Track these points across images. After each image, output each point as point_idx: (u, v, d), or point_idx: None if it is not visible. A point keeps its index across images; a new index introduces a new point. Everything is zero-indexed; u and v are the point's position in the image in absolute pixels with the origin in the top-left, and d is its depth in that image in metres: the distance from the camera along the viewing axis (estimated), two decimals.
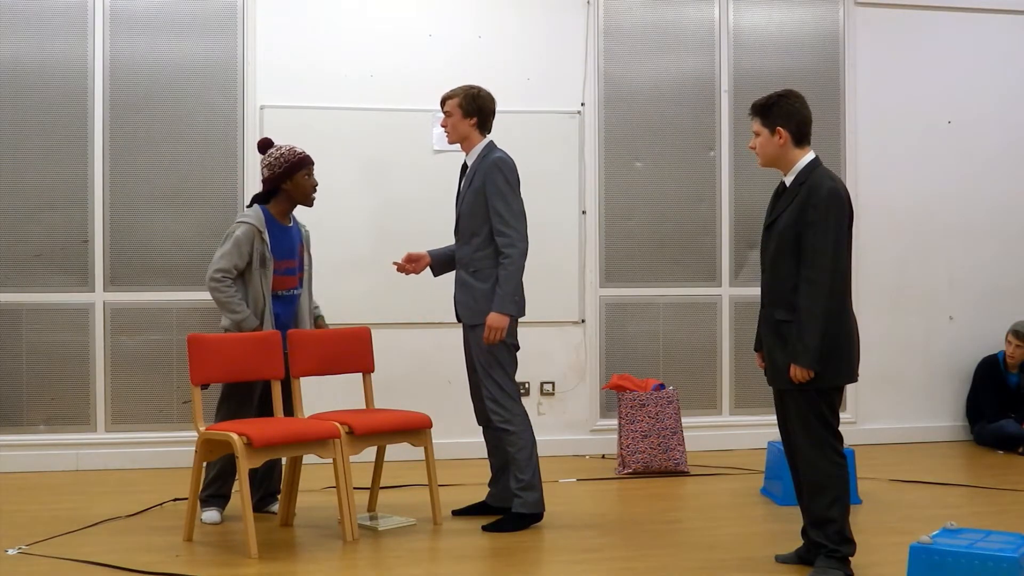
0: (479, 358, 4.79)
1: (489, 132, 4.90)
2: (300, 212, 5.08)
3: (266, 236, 4.84)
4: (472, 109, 4.83)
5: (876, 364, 6.98)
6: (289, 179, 4.91)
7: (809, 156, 4.04)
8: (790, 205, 3.98)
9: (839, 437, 4.01)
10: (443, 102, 4.88)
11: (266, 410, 4.91)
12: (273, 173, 4.91)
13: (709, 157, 6.82)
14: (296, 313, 5.02)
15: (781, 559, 4.22)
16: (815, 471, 3.98)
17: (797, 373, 3.89)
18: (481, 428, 4.98)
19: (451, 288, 4.93)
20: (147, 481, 5.76)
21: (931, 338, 7.16)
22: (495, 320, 4.68)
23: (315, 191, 5.00)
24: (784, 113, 4.02)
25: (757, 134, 4.09)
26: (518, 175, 4.82)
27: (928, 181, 7.13)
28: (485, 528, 4.73)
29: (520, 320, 4.83)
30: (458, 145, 4.92)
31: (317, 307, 5.22)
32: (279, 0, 6.34)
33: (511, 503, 4.85)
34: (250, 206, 5.00)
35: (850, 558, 3.99)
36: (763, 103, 4.08)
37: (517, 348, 4.84)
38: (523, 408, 4.82)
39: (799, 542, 4.19)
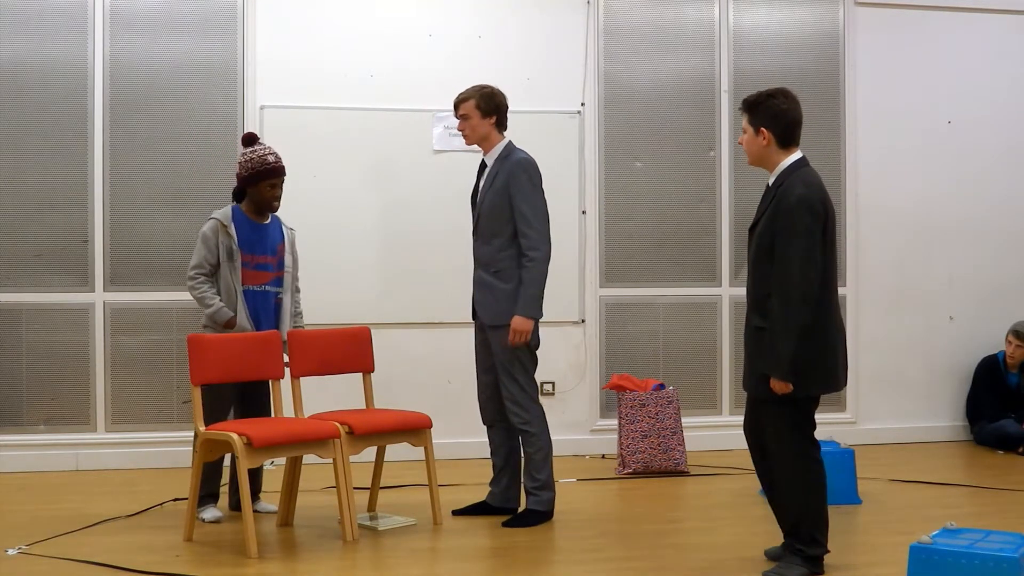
0: (500, 359, 4.78)
1: (506, 129, 4.89)
2: (292, 213, 5.08)
3: (231, 230, 4.88)
4: (490, 108, 4.81)
5: (876, 364, 6.99)
6: (252, 185, 4.94)
7: (793, 157, 3.97)
8: (767, 209, 3.95)
9: (815, 443, 4.00)
10: (457, 105, 4.85)
11: (248, 410, 4.94)
12: (241, 174, 4.96)
13: (709, 157, 6.82)
14: (275, 313, 5.01)
15: (771, 554, 4.23)
16: (788, 475, 3.98)
17: (775, 386, 3.87)
18: (486, 428, 4.98)
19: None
20: (147, 481, 5.76)
21: (931, 338, 7.16)
22: (520, 323, 4.68)
23: (277, 202, 4.99)
24: (770, 114, 3.95)
25: (745, 131, 4.05)
26: (541, 176, 4.81)
27: (928, 181, 7.13)
28: (505, 524, 4.74)
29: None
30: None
31: (299, 314, 5.19)
32: (279, 0, 6.35)
33: (512, 503, 4.88)
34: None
35: (822, 559, 3.99)
36: (752, 100, 4.01)
37: (537, 346, 4.84)
38: (542, 409, 4.84)
39: None
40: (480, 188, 4.87)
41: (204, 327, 4.90)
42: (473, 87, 4.88)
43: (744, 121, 4.04)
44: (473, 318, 4.93)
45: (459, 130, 4.87)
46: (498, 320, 4.76)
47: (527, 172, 4.75)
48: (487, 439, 5.00)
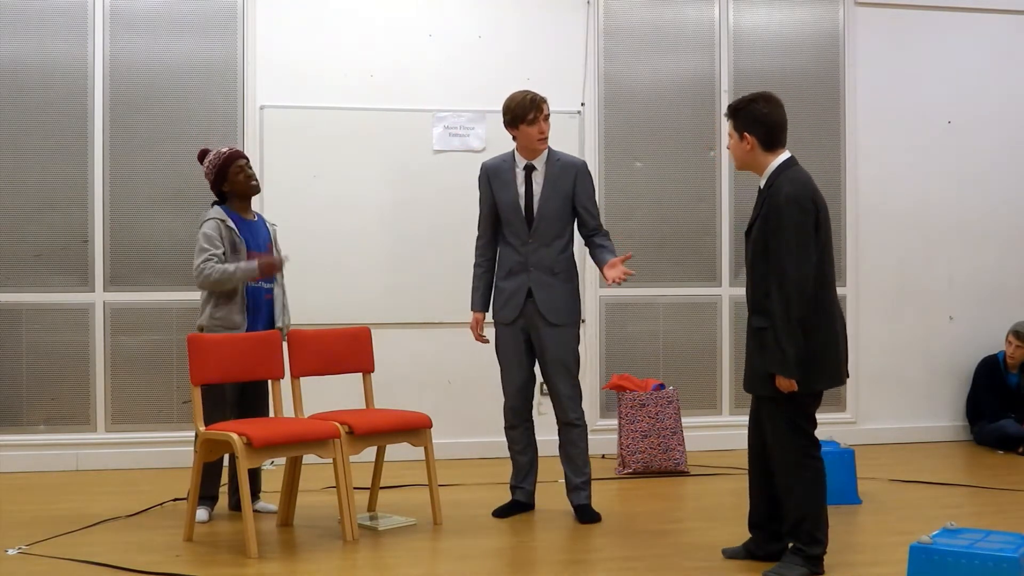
0: (561, 357, 4.85)
1: None
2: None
3: (231, 223, 4.90)
4: None
5: (876, 364, 6.99)
6: (224, 180, 4.98)
7: (781, 158, 4.01)
8: (761, 211, 3.99)
9: (815, 441, 4.01)
10: (543, 105, 4.83)
11: (247, 410, 4.94)
12: (211, 179, 5.00)
13: (709, 157, 6.82)
14: (266, 310, 5.01)
15: (729, 553, 4.24)
16: (789, 474, 3.99)
17: (782, 383, 3.88)
18: (508, 428, 4.98)
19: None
20: (147, 481, 5.76)
21: (931, 338, 7.16)
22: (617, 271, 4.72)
23: (254, 181, 5.03)
24: (751, 119, 4.00)
25: (730, 136, 4.10)
26: None
27: (928, 181, 7.13)
28: (584, 522, 4.80)
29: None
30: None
31: (286, 319, 5.13)
32: (279, 0, 6.35)
33: (533, 499, 4.96)
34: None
35: (822, 558, 3.99)
36: (734, 106, 4.08)
37: None
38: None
39: None
40: (535, 193, 4.86)
41: (200, 328, 4.87)
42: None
43: (729, 127, 4.10)
44: (512, 322, 4.89)
45: (544, 131, 4.84)
46: (564, 319, 4.86)
47: (590, 174, 4.95)
48: (508, 440, 4.99)
